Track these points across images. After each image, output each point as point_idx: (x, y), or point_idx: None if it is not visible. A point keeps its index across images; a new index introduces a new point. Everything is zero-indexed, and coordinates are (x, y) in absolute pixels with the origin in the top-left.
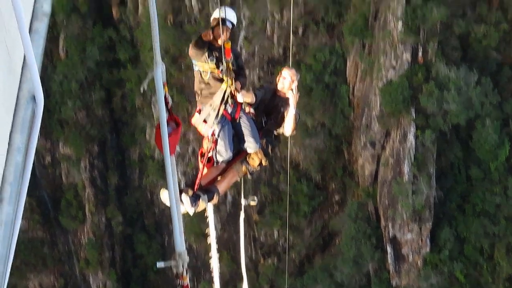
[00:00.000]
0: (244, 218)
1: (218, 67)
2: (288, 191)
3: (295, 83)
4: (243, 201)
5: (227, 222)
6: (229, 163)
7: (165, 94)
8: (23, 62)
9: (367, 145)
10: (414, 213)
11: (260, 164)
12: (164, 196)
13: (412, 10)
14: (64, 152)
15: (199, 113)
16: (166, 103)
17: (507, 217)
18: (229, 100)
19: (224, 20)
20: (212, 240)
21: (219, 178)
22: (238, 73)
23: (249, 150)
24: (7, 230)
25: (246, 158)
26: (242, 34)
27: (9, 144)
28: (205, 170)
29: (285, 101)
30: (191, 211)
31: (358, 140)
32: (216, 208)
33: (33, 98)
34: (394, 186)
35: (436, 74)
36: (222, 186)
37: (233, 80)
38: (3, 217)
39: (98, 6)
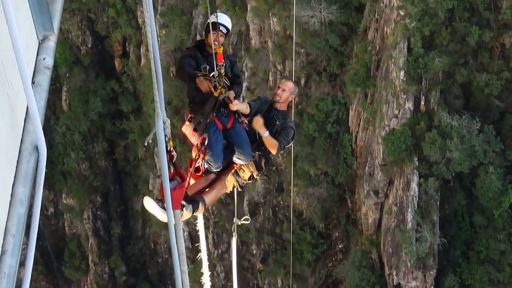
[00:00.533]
0: (237, 243)
1: (210, 73)
2: (292, 239)
3: (292, 97)
4: (235, 221)
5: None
6: (219, 174)
7: (170, 148)
8: (26, 115)
9: (370, 194)
10: (418, 260)
11: (252, 177)
12: (147, 203)
13: (414, 59)
14: (67, 203)
15: (189, 121)
16: (171, 157)
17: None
18: (222, 109)
19: (216, 24)
20: (203, 256)
21: (207, 189)
22: (233, 81)
23: (240, 162)
24: (10, 282)
25: (236, 170)
26: (245, 85)
27: (11, 196)
28: (192, 180)
29: (281, 114)
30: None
31: (361, 188)
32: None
33: (36, 150)
34: (397, 234)
35: (439, 123)
36: (209, 197)
37: (226, 88)
38: (5, 269)
39: (101, 58)
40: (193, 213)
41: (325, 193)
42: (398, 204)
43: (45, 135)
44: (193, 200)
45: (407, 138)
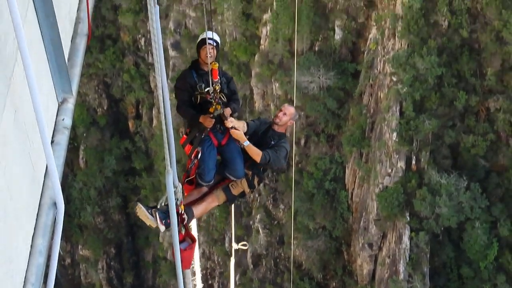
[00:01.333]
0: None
1: (205, 89)
2: None
3: (291, 123)
4: (234, 245)
5: None
6: (212, 188)
7: (181, 211)
8: (46, 171)
9: (365, 246)
10: None
11: (243, 193)
12: (139, 210)
13: (405, 122)
14: (83, 254)
15: (187, 135)
16: (182, 220)
17: None
18: (217, 125)
19: (204, 40)
20: (197, 267)
21: (198, 202)
22: (230, 98)
23: (231, 178)
24: None
25: (228, 185)
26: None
27: (31, 247)
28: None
29: (278, 135)
30: (161, 228)
31: (357, 241)
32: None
33: (55, 205)
34: (390, 284)
35: (429, 181)
36: (199, 210)
37: (222, 105)
38: None
39: (116, 119)
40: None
41: (323, 246)
42: (391, 256)
43: (63, 191)
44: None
45: (399, 195)
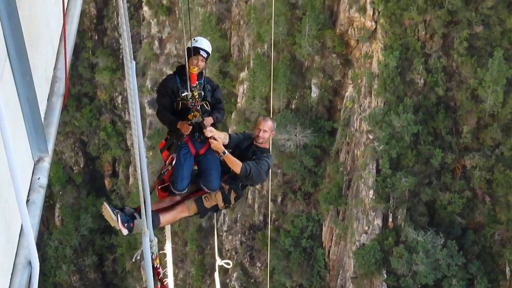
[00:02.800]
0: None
1: (184, 94)
2: None
3: (273, 134)
4: (218, 260)
5: None
6: (185, 197)
7: (157, 265)
8: (21, 231)
9: None
10: None
11: (216, 207)
12: (105, 211)
13: (382, 179)
14: None
15: (165, 140)
16: (158, 273)
17: None
18: (196, 134)
19: (197, 50)
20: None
21: (168, 210)
22: (214, 106)
23: (205, 189)
24: None
25: (202, 196)
26: None
27: None
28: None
29: (260, 151)
30: (123, 231)
31: None
32: None
33: (30, 264)
34: None
35: (405, 238)
36: (166, 217)
37: (201, 112)
38: None
39: (92, 177)
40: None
41: None
42: None
43: (38, 250)
44: None
45: (376, 253)
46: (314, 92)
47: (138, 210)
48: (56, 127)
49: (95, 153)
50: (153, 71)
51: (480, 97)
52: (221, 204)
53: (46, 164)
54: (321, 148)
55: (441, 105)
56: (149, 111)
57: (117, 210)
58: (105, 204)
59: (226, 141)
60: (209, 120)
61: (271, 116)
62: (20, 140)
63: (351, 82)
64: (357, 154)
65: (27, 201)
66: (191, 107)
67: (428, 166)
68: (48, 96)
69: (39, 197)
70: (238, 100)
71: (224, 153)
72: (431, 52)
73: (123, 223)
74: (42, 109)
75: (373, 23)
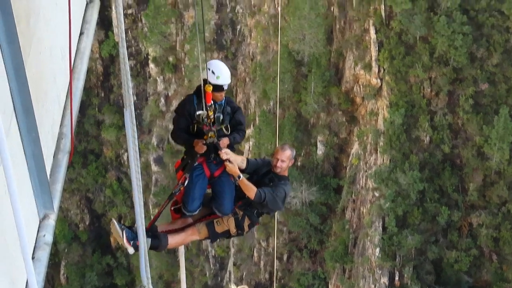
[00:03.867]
0: None
1: (198, 113)
2: None
3: (292, 162)
4: (232, 286)
5: None
6: (197, 220)
7: None
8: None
9: None
10: None
11: (227, 233)
12: (113, 227)
13: (388, 237)
14: None
15: (182, 160)
16: None
17: None
18: (212, 155)
19: (221, 87)
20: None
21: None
22: (234, 128)
23: (217, 213)
24: None
25: (213, 220)
26: (231, 260)
27: None
28: (164, 214)
29: (278, 178)
30: (129, 249)
31: None
32: None
33: None
34: None
35: None
36: (175, 240)
37: (216, 133)
38: None
39: (98, 235)
40: (149, 248)
41: None
42: None
43: None
44: (157, 237)
45: None
46: (320, 149)
47: (147, 229)
48: (62, 184)
49: (100, 211)
50: (159, 128)
51: (486, 154)
52: (233, 230)
53: (51, 221)
54: (327, 205)
55: (447, 162)
56: (154, 168)
57: (123, 226)
58: (113, 220)
59: (243, 166)
60: (225, 141)
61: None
62: (25, 197)
63: (356, 139)
64: (363, 211)
65: (32, 258)
66: (206, 129)
67: (434, 224)
68: (54, 152)
69: (44, 255)
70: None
71: (239, 177)
72: (436, 110)
73: (128, 240)
74: (48, 166)
75: (379, 80)
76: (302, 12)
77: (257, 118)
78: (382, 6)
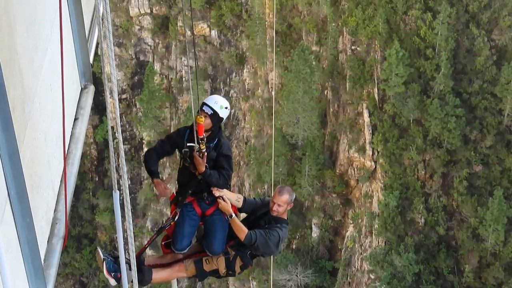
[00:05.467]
0: None
1: (189, 145)
2: None
3: (291, 206)
4: None
5: None
6: (187, 256)
7: None
8: None
9: None
10: None
11: (215, 272)
12: (98, 256)
13: None
14: None
15: (175, 194)
16: None
17: None
18: (204, 194)
19: (202, 105)
20: None
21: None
22: (219, 171)
23: (207, 252)
24: None
25: (202, 258)
26: None
27: None
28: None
29: (275, 221)
30: (111, 281)
31: None
32: None
33: None
34: None
35: None
36: (160, 275)
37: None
38: None
39: None
40: (128, 282)
41: None
42: None
43: None
44: (139, 270)
45: None
46: (315, 232)
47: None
48: (56, 269)
49: None
50: (153, 212)
51: (481, 236)
52: (222, 270)
53: None
54: None
55: (442, 244)
56: (149, 252)
57: (105, 257)
58: (98, 249)
59: (239, 204)
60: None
61: (271, 258)
62: (19, 282)
63: (351, 222)
64: None
65: None
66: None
67: None
68: (48, 238)
69: None
70: None
71: (230, 216)
72: (431, 192)
73: (108, 272)
74: (42, 251)
75: (373, 163)
76: (295, 96)
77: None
78: (376, 90)
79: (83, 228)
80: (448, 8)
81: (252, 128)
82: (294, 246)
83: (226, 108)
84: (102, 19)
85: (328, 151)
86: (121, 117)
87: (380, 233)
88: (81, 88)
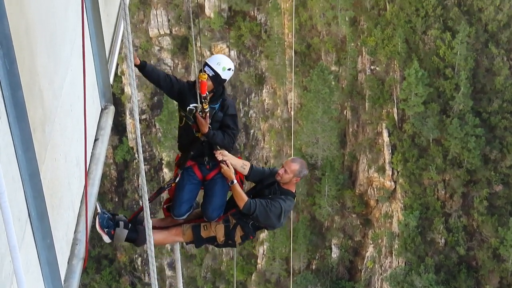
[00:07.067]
0: None
1: (193, 105)
2: None
3: (297, 180)
4: None
5: None
6: (188, 221)
7: None
8: None
9: None
10: None
11: (212, 239)
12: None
13: None
14: None
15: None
16: None
17: None
18: (205, 158)
19: (204, 65)
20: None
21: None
22: (225, 131)
23: (204, 216)
24: None
25: (201, 224)
26: None
27: None
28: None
29: (281, 192)
30: (104, 237)
31: None
32: None
33: None
34: None
35: None
36: (156, 237)
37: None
38: None
39: None
40: (126, 240)
41: None
42: None
43: None
44: (137, 231)
45: None
46: (335, 253)
47: (128, 220)
48: None
49: None
50: None
51: (502, 256)
52: (220, 238)
53: None
54: None
55: (462, 264)
56: (168, 272)
57: (102, 212)
58: (98, 203)
59: (245, 171)
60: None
61: (290, 278)
62: None
63: (371, 242)
64: None
65: None
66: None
67: None
68: (69, 258)
69: None
70: (258, 261)
71: (232, 182)
72: (451, 212)
73: (101, 227)
74: (62, 272)
75: (393, 183)
76: (315, 116)
77: None
78: (395, 109)
79: (103, 249)
80: (467, 27)
81: (272, 148)
82: (313, 267)
83: (229, 69)
84: (123, 40)
85: (347, 171)
86: (140, 137)
87: (400, 253)
88: (101, 109)
